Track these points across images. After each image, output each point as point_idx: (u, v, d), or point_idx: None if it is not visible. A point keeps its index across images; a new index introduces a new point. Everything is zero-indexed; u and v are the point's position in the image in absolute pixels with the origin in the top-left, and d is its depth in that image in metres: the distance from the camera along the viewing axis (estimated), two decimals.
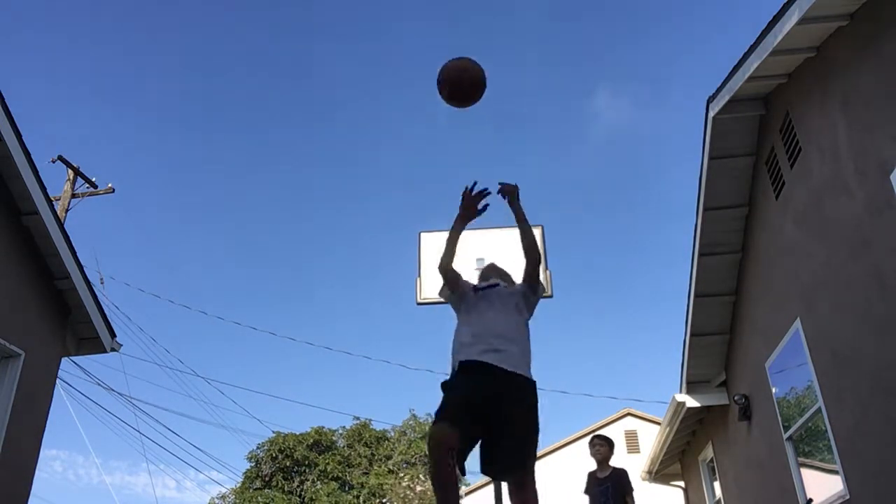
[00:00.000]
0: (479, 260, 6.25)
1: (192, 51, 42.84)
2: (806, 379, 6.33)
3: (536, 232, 6.57)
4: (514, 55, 43.53)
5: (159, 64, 41.24)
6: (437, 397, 3.08)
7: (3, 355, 7.01)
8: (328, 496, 25.58)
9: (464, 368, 3.15)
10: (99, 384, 22.41)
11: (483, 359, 3.12)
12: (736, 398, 8.23)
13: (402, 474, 25.22)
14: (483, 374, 3.08)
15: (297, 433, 27.35)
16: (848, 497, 5.61)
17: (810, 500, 6.49)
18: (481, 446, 3.06)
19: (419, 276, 6.27)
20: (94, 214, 58.53)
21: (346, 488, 26.66)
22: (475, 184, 3.59)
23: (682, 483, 12.35)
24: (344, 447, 28.07)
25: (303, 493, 26.43)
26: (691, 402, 9.13)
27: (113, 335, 8.26)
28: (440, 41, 42.21)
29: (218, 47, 42.74)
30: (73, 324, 7.92)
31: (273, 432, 27.24)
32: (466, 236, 6.66)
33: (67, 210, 14.12)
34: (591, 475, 6.22)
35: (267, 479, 26.93)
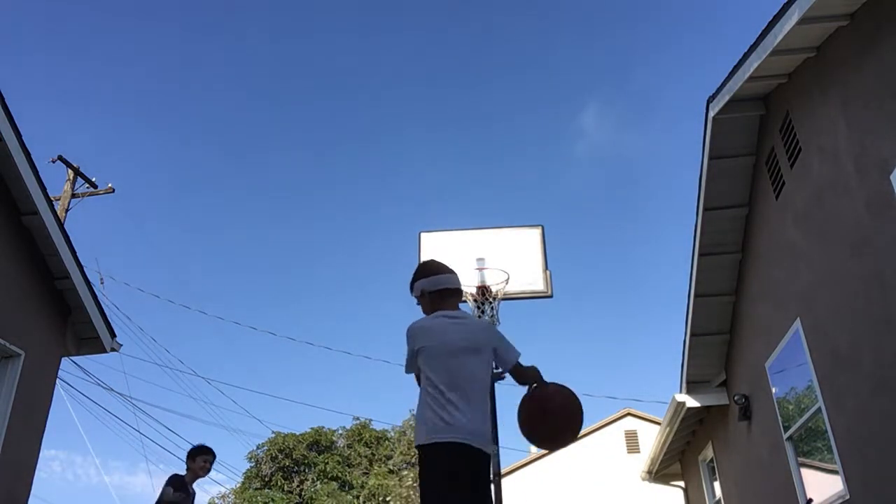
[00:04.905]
0: (480, 260, 6.26)
1: (193, 51, 42.83)
2: (806, 379, 6.33)
3: (536, 232, 6.59)
4: (514, 67, 43.54)
5: (159, 64, 41.24)
6: None
7: (3, 355, 7.01)
8: (328, 496, 25.57)
9: None
10: (99, 384, 22.42)
11: None
12: (736, 398, 8.23)
13: (403, 474, 25.20)
14: None
15: (297, 433, 27.38)
16: (848, 497, 5.60)
17: (810, 500, 6.49)
18: None
19: None
20: (94, 214, 58.54)
21: (346, 488, 26.66)
22: None
23: (682, 483, 12.35)
24: (344, 447, 28.09)
25: (302, 492, 26.44)
26: (691, 402, 9.13)
27: (113, 335, 8.26)
28: (439, 48, 42.19)
29: (217, 49, 42.73)
30: (73, 324, 7.92)
31: (273, 432, 27.28)
32: (466, 236, 6.69)
33: (67, 210, 14.12)
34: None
35: (267, 478, 26.94)
